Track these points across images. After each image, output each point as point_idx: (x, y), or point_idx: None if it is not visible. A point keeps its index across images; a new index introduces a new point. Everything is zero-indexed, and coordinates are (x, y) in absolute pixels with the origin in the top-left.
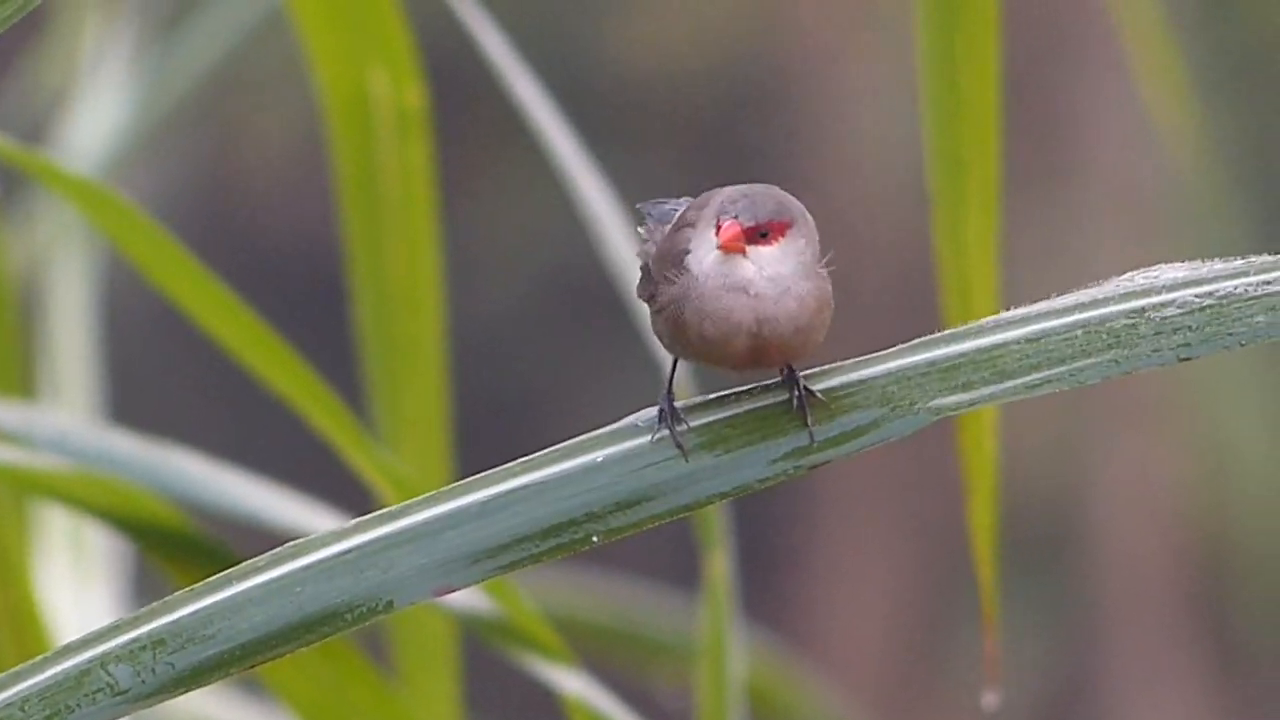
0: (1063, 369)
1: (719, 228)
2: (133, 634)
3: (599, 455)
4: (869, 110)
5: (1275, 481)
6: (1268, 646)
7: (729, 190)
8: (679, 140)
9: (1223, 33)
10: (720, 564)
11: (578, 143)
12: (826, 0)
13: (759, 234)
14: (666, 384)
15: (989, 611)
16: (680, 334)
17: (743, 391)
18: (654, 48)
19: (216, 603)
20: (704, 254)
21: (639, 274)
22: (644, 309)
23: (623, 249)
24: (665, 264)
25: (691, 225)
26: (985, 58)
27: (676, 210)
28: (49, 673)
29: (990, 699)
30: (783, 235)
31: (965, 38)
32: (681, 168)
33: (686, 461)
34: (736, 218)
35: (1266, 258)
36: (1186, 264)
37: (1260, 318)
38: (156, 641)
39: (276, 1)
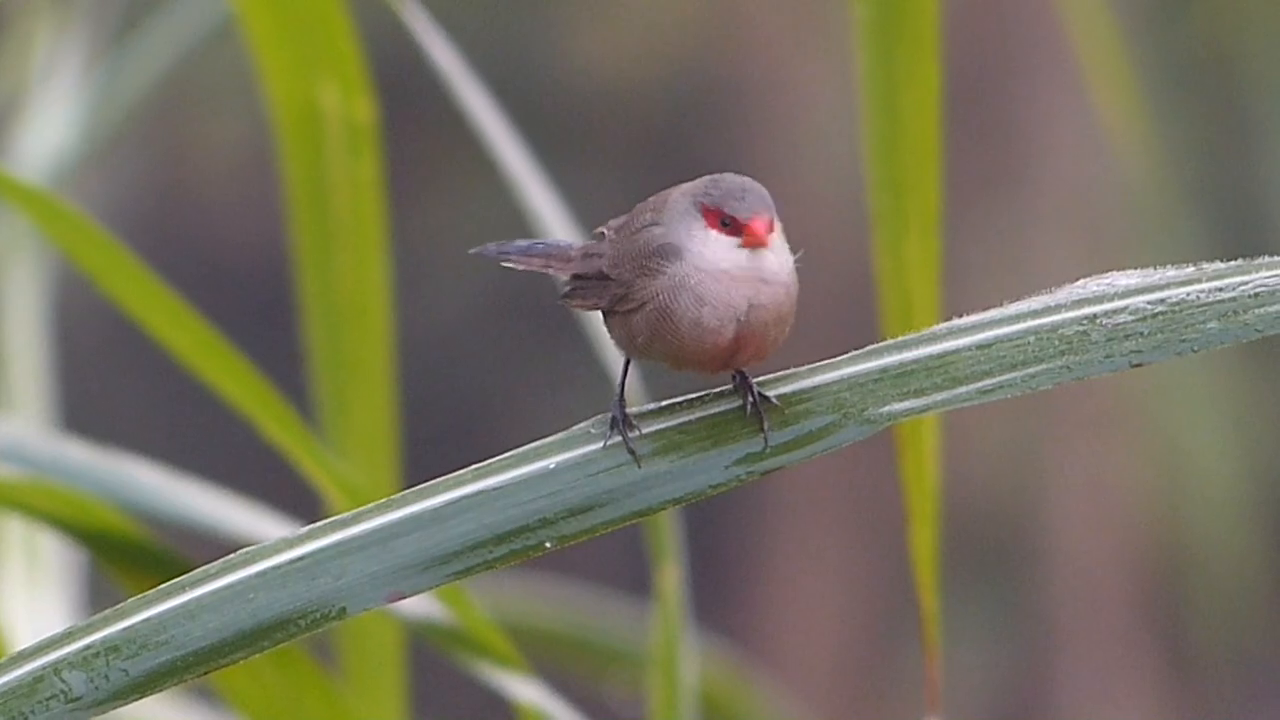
0: (1015, 375)
1: (729, 221)
2: (86, 640)
3: (551, 462)
4: (818, 122)
5: (1228, 488)
6: (1221, 655)
7: (694, 185)
8: (627, 151)
9: (1173, 40)
10: (672, 572)
11: (527, 154)
12: (776, 14)
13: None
14: (618, 391)
15: (930, 639)
16: (665, 327)
17: (695, 398)
18: (603, 60)
19: (170, 609)
20: (707, 245)
21: (577, 288)
22: (593, 318)
23: None
24: (643, 258)
25: (656, 224)
26: (926, 82)
27: (540, 245)
28: (2, 679)
29: None
30: (776, 222)
31: (905, 62)
32: (629, 178)
33: (639, 467)
34: (757, 213)
35: (1219, 264)
36: (1139, 271)
37: (1212, 324)
38: (110, 648)
39: (228, 13)
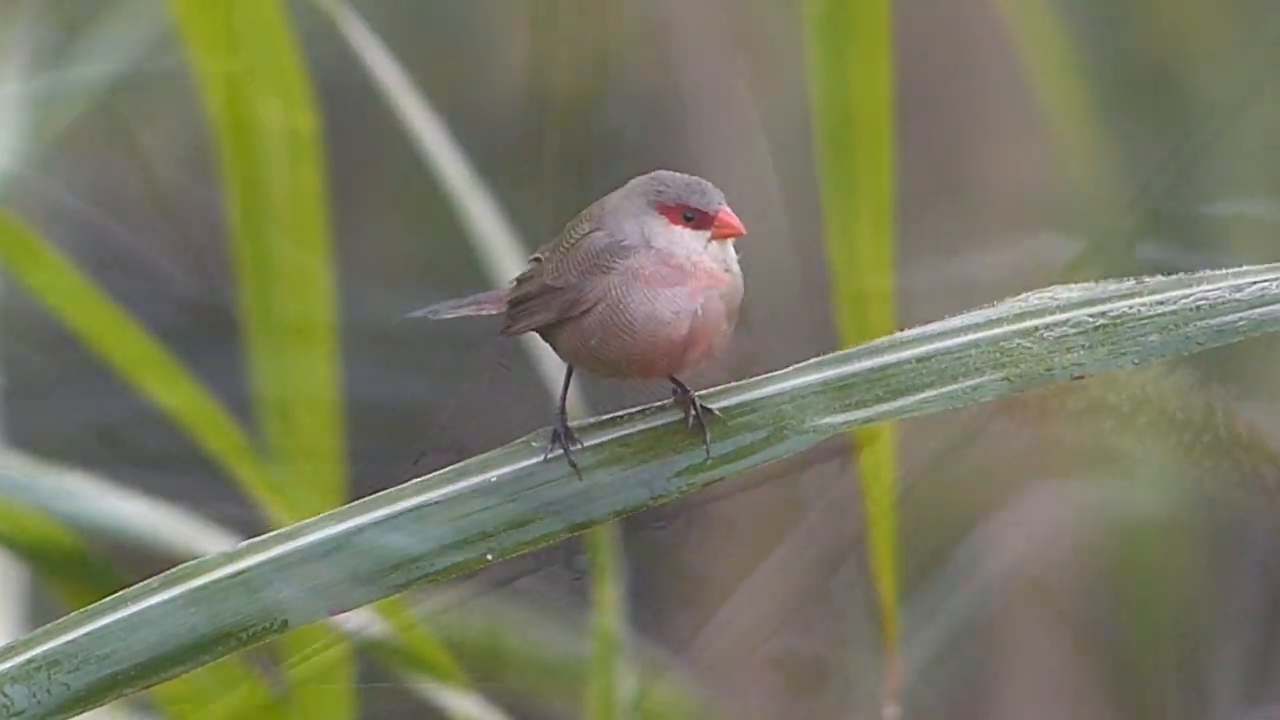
0: (955, 387)
1: (693, 215)
2: (28, 655)
3: (493, 475)
4: (756, 130)
5: (1173, 507)
6: (1164, 673)
7: (635, 188)
8: (566, 162)
9: (1118, 53)
10: (611, 585)
11: (468, 166)
12: (716, 23)
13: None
14: (559, 404)
15: (890, 629)
16: (619, 322)
17: (636, 412)
18: (538, 68)
19: (111, 623)
20: (676, 242)
21: (518, 312)
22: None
23: (513, 270)
24: (591, 259)
25: (598, 230)
26: (877, 77)
27: (469, 296)
28: None
29: (891, 712)
30: None
31: (857, 57)
32: (567, 187)
33: (581, 479)
34: (722, 205)
35: (1160, 278)
36: (1081, 284)
37: (1153, 337)
38: (52, 662)
39: (169, 24)
